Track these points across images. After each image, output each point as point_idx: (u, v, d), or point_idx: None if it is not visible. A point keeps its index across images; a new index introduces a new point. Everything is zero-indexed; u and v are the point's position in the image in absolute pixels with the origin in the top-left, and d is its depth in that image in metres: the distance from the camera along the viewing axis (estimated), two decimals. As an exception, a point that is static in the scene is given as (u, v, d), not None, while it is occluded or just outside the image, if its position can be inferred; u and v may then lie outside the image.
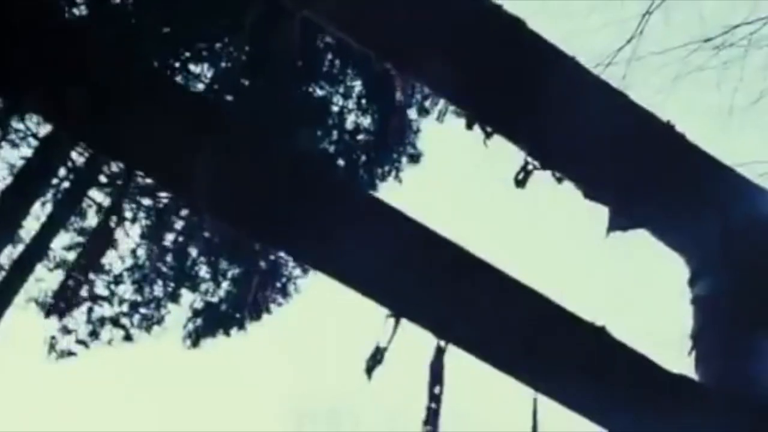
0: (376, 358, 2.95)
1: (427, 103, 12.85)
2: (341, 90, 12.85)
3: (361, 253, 3.13)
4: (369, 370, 2.96)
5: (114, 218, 3.04)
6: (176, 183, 2.99)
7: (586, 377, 3.35)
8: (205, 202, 2.96)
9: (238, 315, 13.08)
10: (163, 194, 13.44)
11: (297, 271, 13.07)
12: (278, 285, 13.10)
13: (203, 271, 13.41)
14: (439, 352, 3.05)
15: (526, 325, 3.26)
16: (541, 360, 3.30)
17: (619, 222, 4.05)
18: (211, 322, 13.09)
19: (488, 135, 3.96)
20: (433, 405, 2.93)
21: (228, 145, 3.00)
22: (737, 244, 3.98)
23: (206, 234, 13.30)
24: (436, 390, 2.96)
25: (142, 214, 13.50)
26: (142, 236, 13.36)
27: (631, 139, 3.99)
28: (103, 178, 12.63)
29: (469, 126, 3.97)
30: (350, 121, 12.97)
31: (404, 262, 3.14)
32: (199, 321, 13.17)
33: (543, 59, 3.84)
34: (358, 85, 12.81)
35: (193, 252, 13.42)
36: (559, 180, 3.96)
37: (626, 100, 3.95)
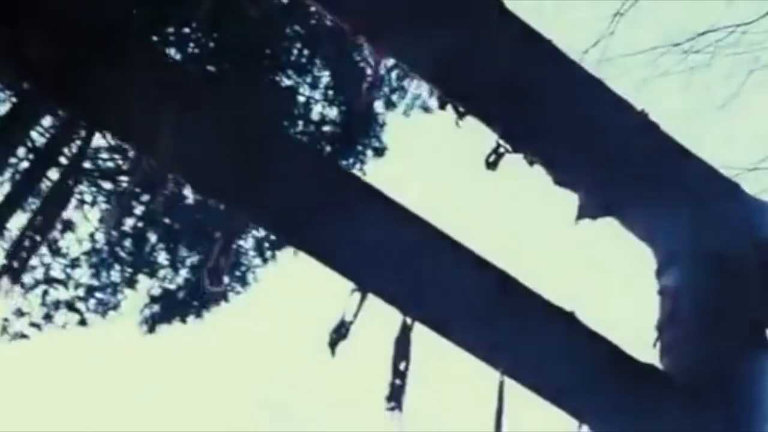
0: (340, 332, 2.88)
1: (394, 97, 12.81)
2: (308, 80, 12.76)
3: (328, 226, 3.06)
4: (332, 345, 2.89)
5: (70, 183, 2.94)
6: (140, 141, 2.90)
7: (551, 361, 3.31)
8: (167, 160, 2.87)
9: (195, 303, 12.96)
10: (123, 178, 13.26)
11: (257, 261, 12.97)
12: (237, 274, 12.99)
13: (162, 257, 13.26)
14: (406, 328, 2.99)
15: (494, 306, 3.21)
16: (508, 341, 3.25)
17: (588, 209, 4.02)
18: (168, 308, 12.95)
19: (461, 116, 3.91)
20: (398, 381, 2.86)
21: (194, 108, 2.91)
22: (705, 236, 3.96)
23: (166, 220, 13.15)
24: (402, 366, 2.89)
25: (101, 198, 13.32)
26: (101, 220, 13.17)
27: (605, 126, 3.96)
28: (63, 159, 12.44)
29: (442, 106, 3.91)
30: (316, 111, 12.89)
31: (372, 237, 3.07)
32: (156, 307, 13.02)
33: (519, 41, 3.79)
34: (325, 76, 12.73)
35: (152, 238, 13.26)
36: (531, 163, 3.91)
37: (602, 86, 3.92)
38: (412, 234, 3.08)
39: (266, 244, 13.03)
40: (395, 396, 2.86)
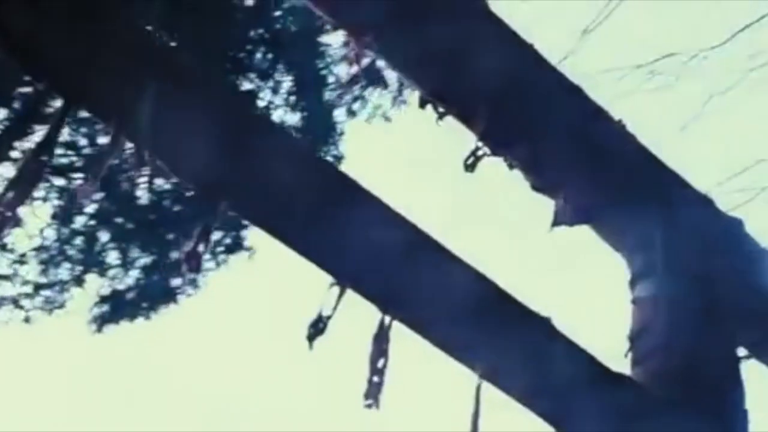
0: (318, 327, 2.82)
1: (355, 106, 12.77)
2: (270, 84, 12.66)
3: (309, 218, 3.00)
4: (310, 339, 2.83)
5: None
6: (113, 116, 2.81)
7: (527, 366, 3.27)
8: (147, 142, 2.79)
9: (144, 304, 12.76)
10: (76, 175, 13.05)
11: (210, 264, 12.81)
12: (188, 276, 12.83)
13: (112, 256, 13.04)
14: (385, 325, 2.93)
15: (472, 308, 3.16)
16: (485, 344, 3.21)
17: (564, 216, 4.00)
18: (117, 309, 12.74)
19: (441, 116, 3.87)
20: (376, 378, 2.81)
21: (179, 88, 2.84)
22: (678, 249, 3.96)
23: (118, 219, 12.96)
24: (380, 363, 2.84)
25: (53, 194, 13.08)
26: (53, 217, 12.94)
27: (583, 134, 3.94)
28: (16, 154, 12.22)
29: (422, 105, 3.88)
30: (275, 116, 12.80)
31: (353, 232, 3.01)
32: (104, 307, 12.80)
33: (503, 44, 3.77)
34: (287, 81, 12.64)
35: (104, 237, 13.05)
36: (511, 167, 3.89)
37: (582, 94, 3.91)
38: (395, 232, 3.03)
39: (220, 248, 12.88)
40: (373, 393, 2.80)
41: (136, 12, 2.84)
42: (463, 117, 3.87)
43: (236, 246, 12.73)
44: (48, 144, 2.75)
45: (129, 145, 2.90)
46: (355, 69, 3.74)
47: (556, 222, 3.99)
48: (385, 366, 2.88)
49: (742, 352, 3.97)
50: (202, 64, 2.96)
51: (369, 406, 2.81)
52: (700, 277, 3.92)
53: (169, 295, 12.85)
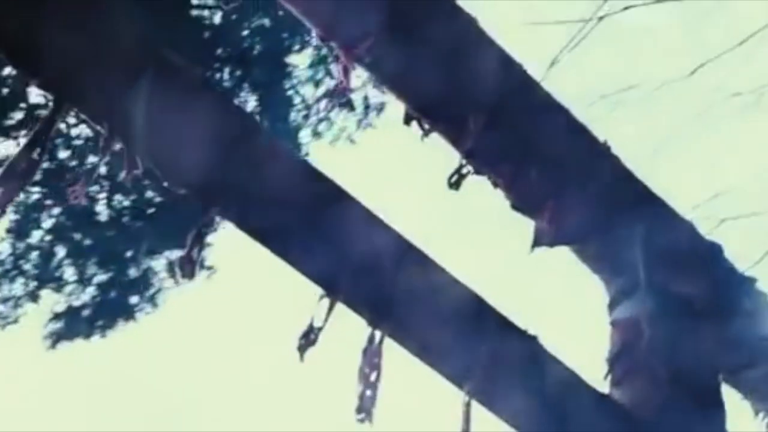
0: (309, 338, 2.78)
1: (320, 127, 12.75)
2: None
3: (301, 228, 2.96)
4: (301, 350, 2.79)
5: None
6: (105, 116, 2.77)
7: (513, 385, 3.25)
8: (138, 144, 2.75)
9: (100, 321, 12.59)
10: (34, 189, 12.89)
11: (168, 283, 12.69)
12: (147, 294, 12.69)
13: (69, 272, 12.86)
14: (378, 339, 2.90)
15: (460, 325, 3.14)
16: (471, 362, 3.18)
17: (545, 237, 3.99)
18: (73, 325, 12.55)
19: (426, 133, 3.86)
20: (369, 392, 2.77)
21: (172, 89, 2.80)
22: (658, 271, 3.98)
23: (75, 235, 12.80)
24: (373, 377, 2.80)
25: (10, 208, 12.87)
26: (8, 231, 12.74)
27: (566, 154, 3.95)
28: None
29: (407, 122, 3.86)
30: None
31: (346, 244, 2.98)
32: (60, 323, 12.61)
33: (492, 62, 3.77)
34: (252, 101, 12.60)
35: (60, 252, 12.87)
36: (495, 185, 3.88)
37: (569, 115, 3.92)
38: (387, 246, 3.00)
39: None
40: (366, 407, 2.77)
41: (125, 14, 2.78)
42: (448, 134, 3.86)
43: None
44: (39, 141, 2.69)
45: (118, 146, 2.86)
46: (343, 82, 3.72)
47: (537, 243, 3.98)
48: (377, 380, 2.84)
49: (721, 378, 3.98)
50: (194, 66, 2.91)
51: (362, 420, 2.78)
52: (679, 300, 3.93)
53: (126, 313, 12.69)
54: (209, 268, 12.47)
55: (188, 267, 2.73)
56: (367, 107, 12.29)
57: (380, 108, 12.24)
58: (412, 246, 3.13)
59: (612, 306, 4.02)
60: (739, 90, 9.44)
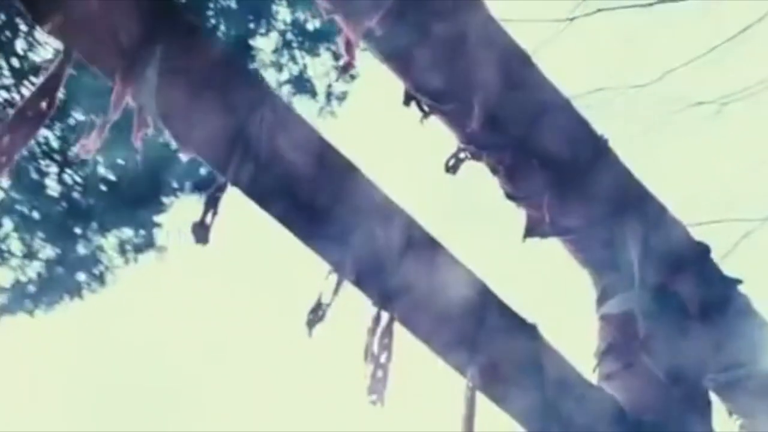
0: (317, 314, 2.73)
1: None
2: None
3: (315, 206, 2.90)
4: (310, 325, 2.73)
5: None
6: (117, 69, 2.68)
7: (512, 373, 3.23)
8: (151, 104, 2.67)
9: (46, 297, 12.35)
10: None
11: (118, 261, 12.48)
12: (95, 272, 12.48)
13: (15, 247, 12.59)
14: (389, 320, 2.86)
15: (464, 312, 3.11)
16: (473, 347, 3.15)
17: (536, 229, 3.98)
18: (17, 299, 12.29)
19: (426, 114, 3.82)
20: (380, 373, 2.73)
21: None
22: (648, 271, 3.98)
23: (23, 209, 12.55)
24: (383, 358, 2.76)
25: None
26: (-45, 200, 12.42)
27: (563, 147, 3.94)
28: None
29: (407, 102, 3.81)
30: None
31: (358, 225, 2.93)
32: (3, 297, 12.34)
33: (497, 48, 3.74)
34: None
35: (7, 225, 12.59)
36: (494, 171, 3.86)
37: (570, 108, 3.91)
38: (397, 230, 2.95)
39: (128, 246, 12.57)
40: (377, 388, 2.72)
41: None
42: (447, 117, 3.82)
43: (147, 245, 12.41)
44: (48, 91, 2.60)
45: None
46: (347, 59, 3.66)
47: (528, 233, 3.97)
48: (388, 360, 2.80)
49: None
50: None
51: (373, 401, 2.74)
52: (666, 298, 3.94)
53: (73, 290, 12.45)
54: (160, 248, 12.28)
55: (201, 232, 2.66)
56: (329, 95, 12.20)
57: (342, 97, 12.16)
58: (423, 231, 3.10)
59: (600, 301, 4.01)
60: (702, 99, 9.52)
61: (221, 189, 2.74)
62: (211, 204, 2.69)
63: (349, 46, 3.62)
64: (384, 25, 3.56)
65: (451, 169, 3.78)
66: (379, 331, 2.80)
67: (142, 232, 12.68)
